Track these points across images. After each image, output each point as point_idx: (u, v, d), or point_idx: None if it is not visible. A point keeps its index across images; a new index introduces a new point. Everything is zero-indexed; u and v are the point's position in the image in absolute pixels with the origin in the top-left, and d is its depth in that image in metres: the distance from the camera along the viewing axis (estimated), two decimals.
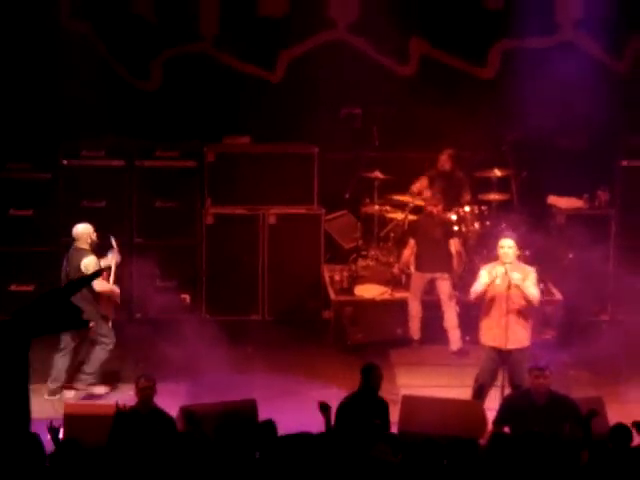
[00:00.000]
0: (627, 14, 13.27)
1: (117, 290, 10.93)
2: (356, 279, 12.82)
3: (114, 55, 13.39)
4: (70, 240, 11.19)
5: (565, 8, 13.52)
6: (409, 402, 9.58)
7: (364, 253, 13.17)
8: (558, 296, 12.47)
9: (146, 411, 8.72)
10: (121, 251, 11.22)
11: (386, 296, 12.61)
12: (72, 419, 8.86)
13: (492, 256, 12.22)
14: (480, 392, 10.03)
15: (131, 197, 13.05)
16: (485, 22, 13.47)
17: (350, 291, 12.70)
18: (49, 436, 7.58)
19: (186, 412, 8.77)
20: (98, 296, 10.81)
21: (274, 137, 13.27)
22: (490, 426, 9.08)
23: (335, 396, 10.78)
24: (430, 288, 12.29)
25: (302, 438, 7.13)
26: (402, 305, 12.43)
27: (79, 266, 10.79)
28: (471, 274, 12.59)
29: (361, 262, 13.04)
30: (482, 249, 12.92)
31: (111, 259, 11.01)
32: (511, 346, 9.97)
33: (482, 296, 10.08)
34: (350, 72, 13.18)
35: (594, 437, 7.92)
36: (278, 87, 13.66)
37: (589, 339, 12.34)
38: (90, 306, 10.46)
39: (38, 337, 3.62)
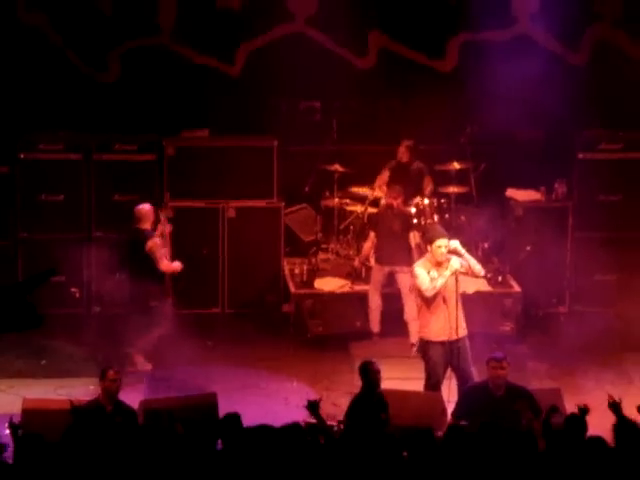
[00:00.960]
0: (583, 7, 13.38)
1: (179, 267, 11.32)
2: (316, 272, 12.84)
3: (71, 47, 13.30)
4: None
5: (521, 1, 13.60)
6: None
7: (324, 246, 13.20)
8: (516, 288, 12.55)
9: (111, 405, 8.68)
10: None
11: (346, 289, 12.64)
12: (30, 414, 8.79)
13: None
14: (436, 388, 10.06)
15: (89, 191, 12.99)
16: (443, 15, 13.53)
17: (310, 284, 12.71)
18: (8, 431, 7.55)
19: (146, 406, 8.76)
20: (164, 276, 11.20)
21: (233, 130, 13.25)
22: (449, 418, 9.12)
23: (296, 389, 10.85)
24: (390, 281, 12.33)
25: (264, 431, 7.14)
26: (362, 298, 12.46)
27: (143, 246, 11.12)
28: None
29: (321, 255, 13.07)
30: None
31: (165, 230, 11.42)
32: (459, 335, 9.99)
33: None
34: (309, 65, 13.17)
35: (551, 428, 7.98)
36: (237, 80, 13.63)
37: (547, 331, 12.47)
38: (156, 286, 11.14)
39: None
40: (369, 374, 9.16)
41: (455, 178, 13.11)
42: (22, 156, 12.87)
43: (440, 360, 10.01)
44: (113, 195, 12.96)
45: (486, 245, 12.47)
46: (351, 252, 13.05)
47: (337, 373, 11.45)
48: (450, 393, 9.78)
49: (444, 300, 9.95)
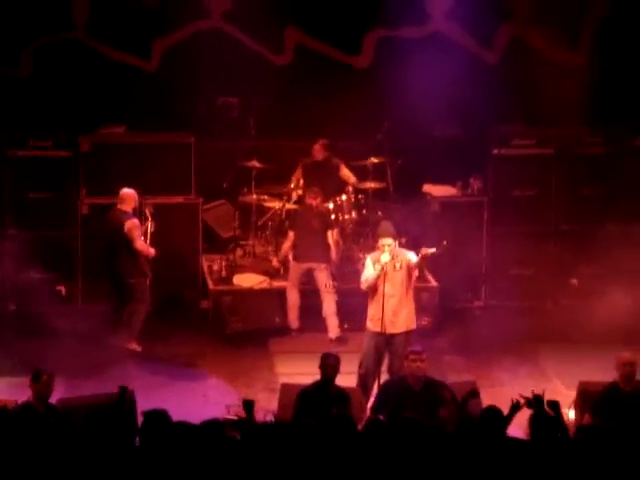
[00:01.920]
0: (496, 4, 13.54)
1: (153, 251, 11.85)
2: (234, 268, 12.83)
3: None
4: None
5: None
6: (288, 390, 9.64)
7: (242, 242, 13.20)
8: (433, 283, 12.68)
9: (43, 407, 8.57)
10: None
11: (264, 285, 12.65)
12: None
13: (369, 244, 12.41)
14: (366, 379, 10.15)
15: (4, 188, 12.80)
16: (359, 11, 13.57)
17: (228, 280, 12.70)
18: None
19: (63, 405, 8.68)
20: (138, 255, 11.71)
21: (150, 127, 13.17)
22: (368, 412, 9.19)
23: (215, 386, 10.84)
24: (309, 277, 12.37)
25: (182, 428, 7.12)
26: (280, 294, 12.49)
27: (122, 227, 11.66)
28: (349, 263, 12.75)
29: (239, 251, 13.06)
30: (359, 237, 13.08)
31: (150, 226, 11.97)
32: (397, 330, 10.11)
33: (373, 284, 10.20)
34: (226, 61, 13.17)
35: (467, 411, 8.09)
36: (154, 76, 13.56)
37: (464, 325, 12.61)
38: (133, 266, 11.69)
39: None
40: (324, 367, 9.22)
41: (372, 174, 13.19)
42: None
43: (371, 350, 10.13)
44: (28, 192, 12.81)
45: (403, 240, 12.53)
46: (269, 248, 13.07)
47: (256, 369, 11.47)
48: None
49: (384, 295, 10.08)
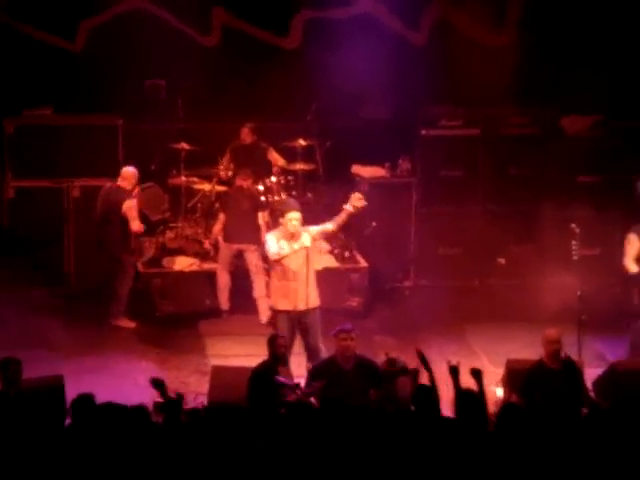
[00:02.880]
0: None
1: (142, 230, 12.15)
2: (164, 251, 12.78)
3: None
4: None
5: None
6: (219, 372, 9.64)
7: (172, 225, 13.14)
8: (363, 263, 12.75)
9: (14, 393, 8.52)
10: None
11: (194, 267, 12.63)
12: None
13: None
14: (284, 357, 10.17)
15: None
16: None
17: (158, 263, 12.65)
18: None
19: None
20: (130, 233, 11.93)
21: (77, 109, 13.04)
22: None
23: (145, 369, 10.80)
24: (239, 259, 12.37)
25: (115, 410, 7.11)
26: (211, 276, 12.47)
27: (120, 204, 11.84)
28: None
29: (169, 234, 13.01)
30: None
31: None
32: (308, 306, 10.11)
33: (280, 260, 10.16)
34: (153, 43, 13.06)
35: (401, 401, 8.15)
36: (80, 57, 13.43)
37: (393, 305, 12.71)
38: (124, 242, 11.94)
39: None
40: (272, 347, 9.19)
41: (301, 155, 13.21)
42: None
43: (284, 331, 10.12)
44: None
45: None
46: (199, 230, 13.03)
47: (186, 352, 11.45)
48: (300, 368, 9.88)
49: (293, 274, 10.07)
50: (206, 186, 13.09)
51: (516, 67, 13.22)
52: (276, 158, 13.23)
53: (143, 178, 13.46)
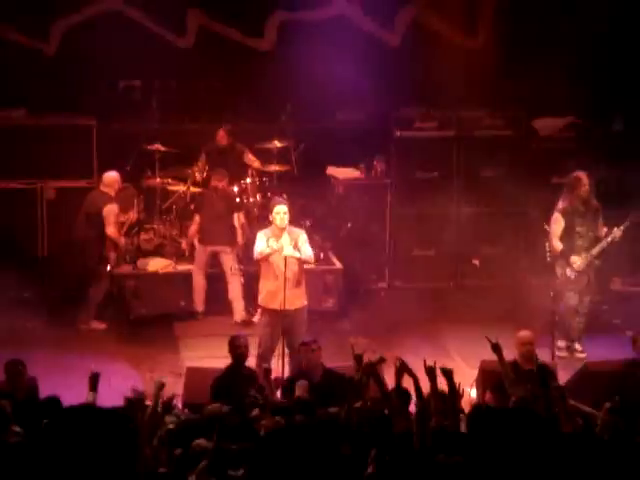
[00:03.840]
0: None
1: (122, 241, 12.06)
2: (139, 252, 12.75)
3: None
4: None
5: None
6: (193, 374, 9.64)
7: (147, 226, 13.11)
8: (338, 265, 12.76)
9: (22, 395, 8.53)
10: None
11: (169, 269, 12.61)
12: None
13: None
14: (266, 356, 10.18)
15: None
16: None
17: (133, 264, 12.62)
18: None
19: None
20: (105, 240, 11.79)
21: (53, 110, 12.99)
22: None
23: (119, 371, 10.75)
24: (214, 260, 12.36)
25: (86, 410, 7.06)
26: (186, 277, 12.46)
27: (100, 209, 11.76)
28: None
29: (143, 235, 12.97)
30: (264, 220, 13.05)
31: (131, 215, 12.36)
32: (292, 306, 10.14)
33: (265, 258, 10.20)
34: (128, 44, 12.99)
35: (372, 402, 8.13)
36: (54, 58, 13.37)
37: (368, 306, 12.72)
38: (94, 248, 11.86)
39: None
40: (232, 350, 9.22)
41: (276, 157, 13.21)
42: None
43: (268, 329, 10.13)
44: None
45: (308, 223, 12.61)
46: (174, 232, 13.01)
47: (161, 353, 11.43)
48: (285, 371, 9.88)
49: (275, 269, 10.11)
50: (181, 187, 13.07)
51: (489, 69, 13.27)
52: (251, 159, 13.23)
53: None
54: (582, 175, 11.22)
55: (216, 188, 12.34)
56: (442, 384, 7.41)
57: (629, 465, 5.98)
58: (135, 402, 7.34)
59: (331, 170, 13.60)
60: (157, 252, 12.81)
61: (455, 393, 7.22)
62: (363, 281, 13.16)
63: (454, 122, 13.38)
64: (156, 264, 12.60)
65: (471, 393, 9.37)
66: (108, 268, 12.12)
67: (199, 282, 12.37)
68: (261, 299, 10.39)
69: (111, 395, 8.84)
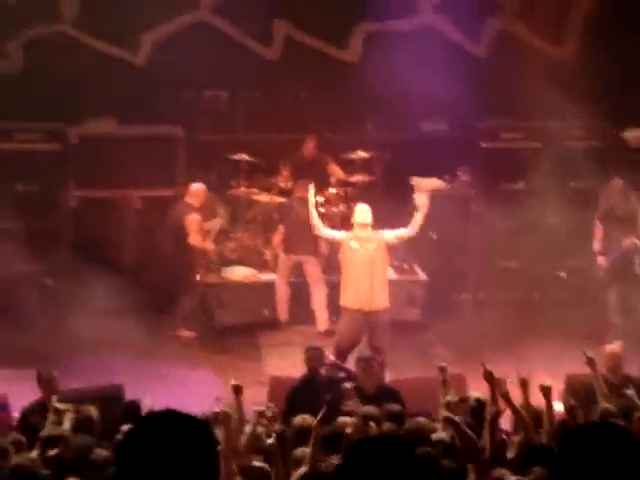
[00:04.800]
0: None
1: (209, 246, 12.25)
2: (223, 261, 12.84)
3: None
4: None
5: None
6: (277, 383, 9.68)
7: (231, 235, 13.20)
8: (422, 276, 12.71)
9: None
10: None
11: (253, 278, 12.67)
12: None
13: None
14: (342, 352, 10.22)
15: None
16: (347, 4, 13.59)
17: (218, 273, 12.71)
18: None
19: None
20: (190, 248, 12.01)
21: (141, 119, 13.15)
22: None
23: (205, 379, 10.85)
24: (299, 270, 12.40)
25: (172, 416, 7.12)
26: (270, 287, 12.51)
27: (183, 221, 11.93)
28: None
29: (229, 244, 13.06)
30: (348, 230, 13.07)
31: (216, 222, 12.45)
32: (376, 307, 10.18)
33: (332, 241, 10.54)
34: (215, 54, 13.13)
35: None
36: (142, 69, 13.54)
37: (452, 318, 12.64)
38: (182, 259, 12.05)
39: None
40: (307, 360, 9.42)
41: (360, 167, 13.21)
42: None
43: (348, 328, 10.19)
44: (16, 185, 12.78)
45: (434, 236, 12.60)
46: (258, 241, 13.08)
47: (245, 362, 11.50)
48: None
49: (361, 268, 10.18)
50: (265, 197, 13.14)
51: (577, 79, 13.12)
52: (334, 170, 13.25)
53: None
54: None
55: (300, 199, 12.38)
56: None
57: None
58: (221, 415, 7.35)
59: (415, 180, 13.55)
60: (241, 261, 12.89)
61: (552, 409, 7.20)
62: (447, 292, 13.09)
63: (540, 133, 13.25)
64: (240, 273, 12.68)
65: (556, 407, 9.25)
66: (197, 277, 12.20)
67: (283, 291, 12.42)
68: (343, 299, 10.51)
69: (196, 403, 8.93)
